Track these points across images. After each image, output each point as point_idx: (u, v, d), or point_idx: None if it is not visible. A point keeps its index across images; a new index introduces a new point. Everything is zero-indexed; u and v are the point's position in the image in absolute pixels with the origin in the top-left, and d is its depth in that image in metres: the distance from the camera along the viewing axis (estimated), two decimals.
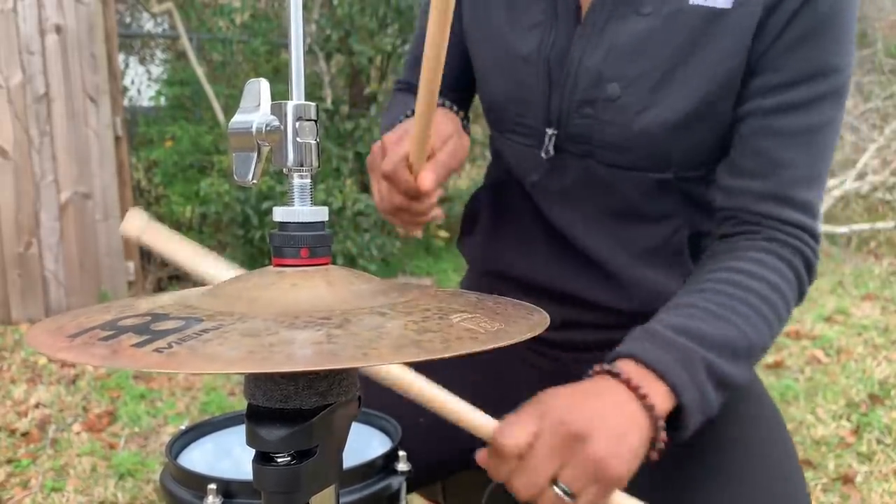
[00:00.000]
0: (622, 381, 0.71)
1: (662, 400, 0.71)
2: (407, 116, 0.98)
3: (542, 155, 0.94)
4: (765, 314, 0.80)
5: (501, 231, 1.06)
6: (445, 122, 0.91)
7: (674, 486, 0.84)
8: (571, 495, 0.66)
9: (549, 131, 0.93)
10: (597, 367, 0.74)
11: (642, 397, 0.70)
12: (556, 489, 0.66)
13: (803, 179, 0.85)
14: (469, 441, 1.00)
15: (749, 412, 0.91)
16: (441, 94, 1.12)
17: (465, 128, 1.03)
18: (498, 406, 1.02)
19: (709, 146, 0.90)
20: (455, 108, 1.02)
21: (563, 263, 0.99)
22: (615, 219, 0.94)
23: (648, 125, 0.86)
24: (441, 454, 0.98)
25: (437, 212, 0.88)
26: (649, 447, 0.71)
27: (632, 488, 0.71)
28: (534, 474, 0.66)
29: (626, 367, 0.72)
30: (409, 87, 1.15)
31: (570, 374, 1.03)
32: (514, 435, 0.67)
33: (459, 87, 1.13)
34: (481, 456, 0.71)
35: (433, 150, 0.84)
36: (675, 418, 0.73)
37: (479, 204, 1.12)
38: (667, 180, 0.91)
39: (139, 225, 0.71)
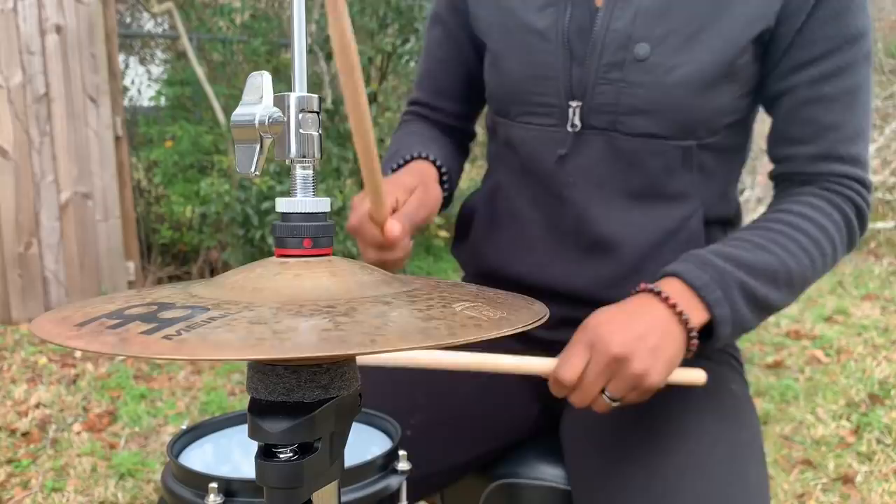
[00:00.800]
0: (662, 300, 0.83)
1: (697, 314, 0.83)
2: (393, 169, 1.01)
3: (569, 129, 0.95)
4: (807, 248, 0.89)
5: (497, 233, 1.06)
6: (411, 175, 0.96)
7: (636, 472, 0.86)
8: (617, 400, 0.82)
9: (574, 104, 0.94)
10: (642, 286, 0.86)
11: (679, 313, 0.82)
12: (605, 397, 0.82)
13: (850, 137, 0.91)
14: (467, 453, 1.00)
15: (728, 420, 0.92)
16: (446, 111, 1.14)
17: (449, 173, 1.07)
18: (494, 410, 1.02)
19: (729, 110, 0.93)
20: (433, 157, 1.03)
21: (566, 260, 0.99)
22: (635, 199, 0.95)
23: (677, 84, 0.88)
24: (439, 464, 0.98)
25: (407, 249, 0.91)
26: (685, 352, 0.83)
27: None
28: (587, 392, 0.82)
29: (668, 286, 0.84)
30: (417, 112, 1.17)
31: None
32: (570, 370, 0.81)
33: (463, 100, 1.14)
34: (550, 385, 0.85)
35: (398, 202, 0.89)
36: (710, 329, 0.85)
37: (474, 208, 1.12)
38: (689, 149, 0.93)
39: None
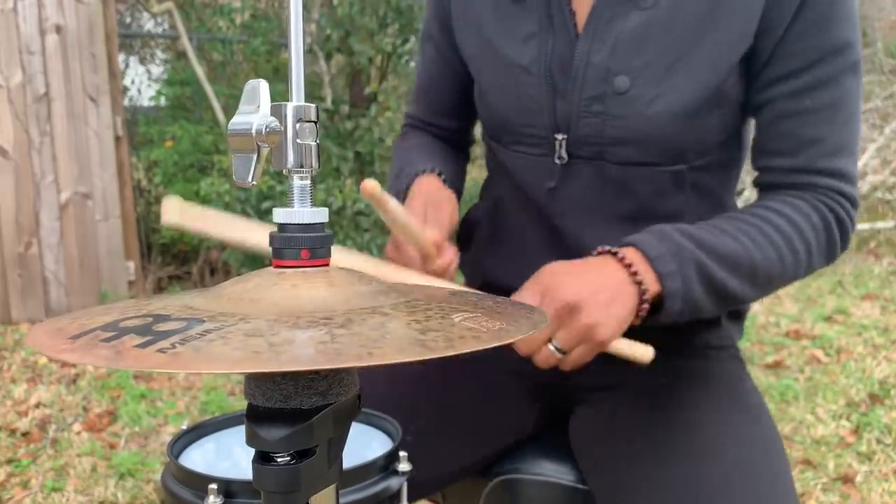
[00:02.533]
0: (618, 260, 0.82)
1: (651, 281, 0.82)
2: (403, 191, 1.02)
3: (556, 161, 0.94)
4: (776, 243, 0.87)
5: (499, 246, 1.06)
6: (418, 203, 0.97)
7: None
8: (563, 352, 0.81)
9: (559, 137, 0.93)
10: (600, 248, 0.85)
11: (633, 274, 0.81)
12: (551, 347, 0.81)
13: (831, 151, 0.89)
14: (468, 455, 1.00)
15: (746, 429, 0.92)
16: (441, 127, 1.15)
17: (457, 181, 1.10)
18: (493, 417, 1.02)
19: (718, 131, 0.92)
20: (437, 170, 1.04)
21: None
22: (628, 222, 0.95)
23: (659, 115, 0.87)
24: (440, 467, 0.98)
25: (453, 258, 0.93)
26: (635, 317, 0.82)
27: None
28: (534, 338, 0.80)
29: (626, 251, 0.83)
30: (414, 125, 1.18)
31: (567, 384, 1.03)
32: None
33: (457, 116, 1.15)
34: None
35: (425, 215, 0.92)
36: (659, 306, 0.84)
37: (475, 221, 1.12)
38: (679, 173, 0.92)
39: (177, 212, 0.74)
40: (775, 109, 0.89)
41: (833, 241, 0.91)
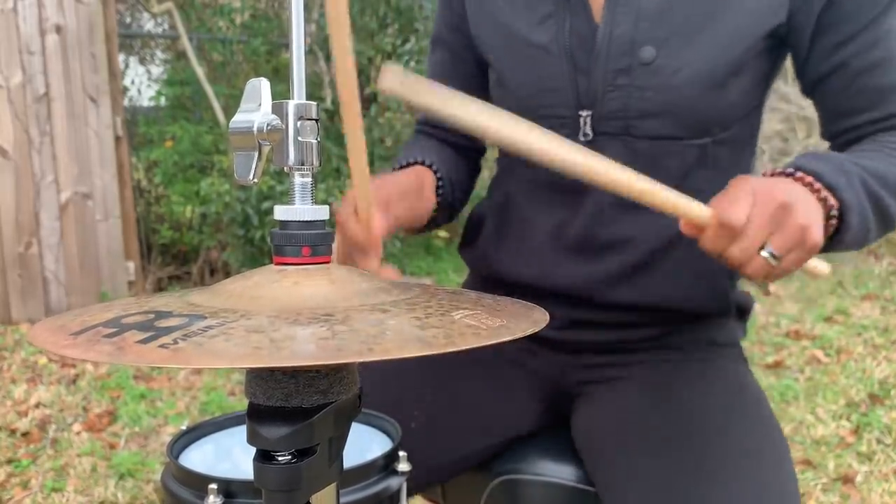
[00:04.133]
0: (797, 179, 0.79)
1: (830, 196, 0.79)
2: (394, 169, 1.01)
3: (581, 139, 0.94)
4: None
5: (507, 240, 1.06)
6: (409, 179, 0.96)
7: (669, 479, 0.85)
8: (777, 258, 0.75)
9: (584, 113, 0.93)
10: (770, 170, 0.82)
11: (816, 191, 0.78)
12: (765, 254, 0.75)
13: None
14: (469, 445, 1.00)
15: (749, 427, 0.92)
16: (452, 132, 1.14)
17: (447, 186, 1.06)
18: (494, 409, 1.02)
19: (741, 104, 0.92)
20: (431, 163, 1.03)
21: (575, 263, 0.98)
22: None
23: (685, 84, 0.88)
24: (441, 457, 0.98)
25: (390, 272, 0.85)
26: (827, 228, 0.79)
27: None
28: (750, 241, 0.74)
29: (796, 172, 0.81)
30: (424, 131, 1.17)
31: (569, 378, 1.03)
32: (737, 211, 0.74)
33: None
34: (705, 236, 0.77)
35: (389, 203, 0.88)
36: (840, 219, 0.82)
37: (483, 216, 1.12)
38: (704, 147, 0.92)
39: (397, 79, 0.70)
40: (848, 70, 0.90)
41: None
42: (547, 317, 0.45)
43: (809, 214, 0.74)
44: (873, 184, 0.83)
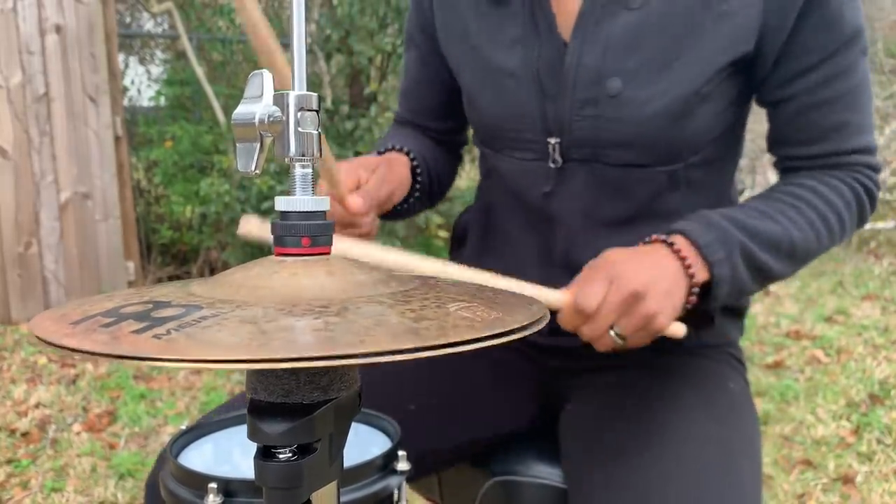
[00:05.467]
0: (674, 251, 0.84)
1: (700, 270, 0.84)
2: (379, 153, 1.02)
3: (551, 165, 0.94)
4: (812, 222, 0.90)
5: (491, 254, 1.06)
6: (376, 157, 0.98)
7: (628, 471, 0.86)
8: (623, 338, 0.83)
9: (552, 141, 0.92)
10: (654, 237, 0.87)
11: (687, 266, 0.84)
12: (612, 333, 0.83)
13: (854, 133, 0.91)
14: (467, 433, 1.01)
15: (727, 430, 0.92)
16: (430, 128, 1.14)
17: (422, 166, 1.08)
18: (488, 403, 1.02)
19: (713, 128, 0.92)
20: (405, 148, 1.04)
21: (558, 283, 0.99)
22: (624, 224, 0.94)
23: (653, 116, 0.86)
24: (437, 443, 0.98)
25: (372, 226, 0.93)
26: (683, 307, 0.85)
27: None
28: (601, 324, 0.82)
29: (678, 239, 0.85)
30: (402, 122, 1.18)
31: (559, 381, 1.03)
32: (592, 297, 0.81)
33: (445, 118, 1.14)
34: (561, 316, 0.85)
35: (360, 180, 0.91)
36: (707, 290, 0.87)
37: (467, 224, 1.12)
38: (675, 172, 0.92)
39: (254, 227, 0.76)
40: (796, 104, 0.90)
41: (864, 210, 0.95)
42: (547, 311, 0.45)
43: (660, 302, 0.81)
44: (757, 251, 0.86)
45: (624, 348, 0.84)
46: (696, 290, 0.84)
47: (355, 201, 0.86)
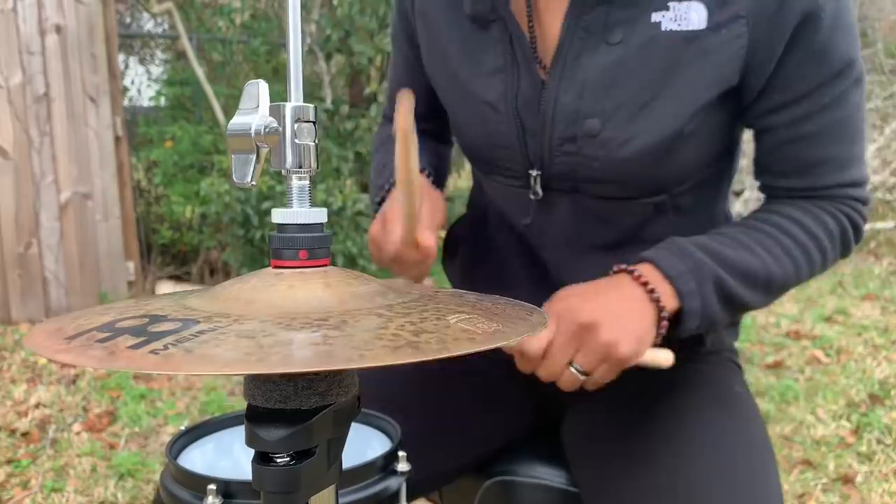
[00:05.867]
0: (635, 279, 0.82)
1: (669, 299, 0.81)
2: (387, 189, 1.00)
3: (531, 197, 0.92)
4: (793, 254, 0.86)
5: (481, 268, 1.06)
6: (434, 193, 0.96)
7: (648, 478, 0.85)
8: (585, 373, 0.80)
9: (533, 173, 0.91)
10: (616, 267, 0.84)
11: (650, 292, 0.81)
12: (572, 369, 0.80)
13: (839, 167, 0.88)
14: (463, 455, 1.00)
15: (731, 424, 0.91)
16: (417, 127, 1.13)
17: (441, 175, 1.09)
18: (486, 416, 1.02)
19: (700, 159, 0.89)
20: (424, 168, 1.02)
21: (547, 296, 0.99)
22: (609, 250, 0.93)
23: (633, 155, 0.84)
24: (441, 464, 0.98)
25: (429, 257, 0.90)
26: (655, 333, 0.82)
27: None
28: (554, 364, 0.80)
29: (644, 268, 0.83)
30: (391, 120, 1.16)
31: (557, 387, 1.03)
32: (534, 342, 0.80)
33: (432, 119, 1.10)
34: (516, 361, 0.84)
35: (434, 219, 0.90)
36: (678, 319, 0.83)
37: (459, 234, 1.12)
38: (660, 203, 0.90)
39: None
40: (776, 136, 0.87)
41: (847, 242, 0.91)
42: (546, 320, 0.45)
43: (615, 331, 0.77)
44: (732, 284, 0.83)
45: (597, 383, 0.82)
46: (665, 314, 0.81)
47: (428, 239, 0.83)
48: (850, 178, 0.88)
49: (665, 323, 0.82)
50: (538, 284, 0.98)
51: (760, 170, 0.93)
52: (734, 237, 0.86)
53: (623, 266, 0.84)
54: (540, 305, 0.97)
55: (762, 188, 0.95)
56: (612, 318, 0.78)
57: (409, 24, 1.02)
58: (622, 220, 0.91)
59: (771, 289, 0.87)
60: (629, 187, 0.88)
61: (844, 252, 0.92)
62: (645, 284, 0.81)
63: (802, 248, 0.87)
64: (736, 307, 0.86)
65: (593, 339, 0.78)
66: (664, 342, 0.85)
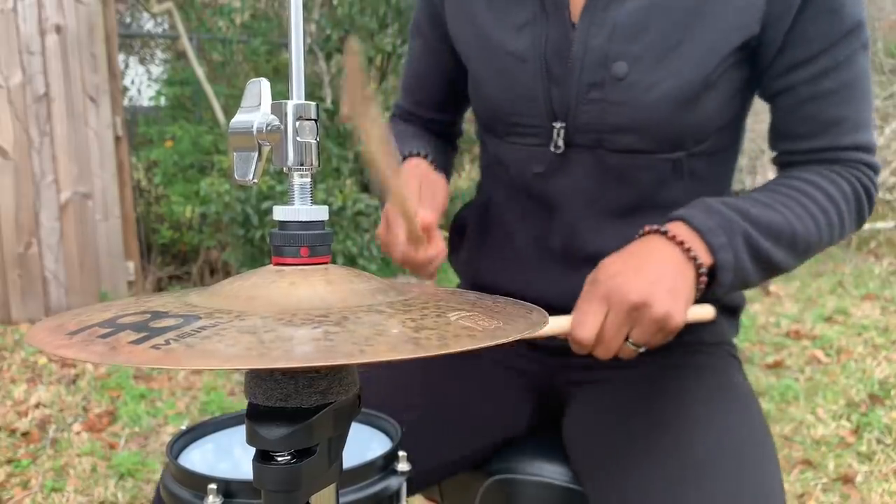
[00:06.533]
0: (670, 238, 0.83)
1: (703, 254, 0.83)
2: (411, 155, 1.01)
3: (552, 149, 0.94)
4: (813, 214, 0.89)
5: (488, 249, 1.06)
6: (413, 175, 0.97)
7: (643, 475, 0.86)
8: (642, 346, 0.82)
9: (557, 125, 0.93)
10: (647, 228, 0.85)
11: (686, 250, 0.82)
12: (629, 344, 0.82)
13: (853, 128, 0.91)
14: (462, 448, 1.01)
15: (733, 418, 0.92)
16: (428, 119, 1.15)
17: (446, 162, 1.09)
18: (486, 411, 1.03)
19: (717, 116, 0.92)
20: (423, 153, 1.02)
21: (556, 276, 0.98)
22: (626, 213, 0.95)
23: (658, 100, 0.87)
24: (441, 456, 0.98)
25: (440, 252, 0.91)
26: (696, 290, 0.83)
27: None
28: (610, 345, 0.81)
29: (675, 227, 0.84)
30: (402, 116, 1.18)
31: (559, 380, 1.03)
32: (586, 329, 0.80)
33: (446, 110, 1.15)
34: (571, 345, 0.84)
35: (420, 195, 0.90)
36: (712, 276, 0.85)
37: (465, 222, 1.12)
38: (678, 161, 0.92)
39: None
40: (796, 95, 0.90)
41: (862, 209, 0.94)
42: (547, 318, 0.45)
43: (667, 303, 0.78)
44: (760, 240, 0.85)
45: (651, 347, 0.83)
46: (703, 270, 0.82)
47: (429, 215, 0.85)
48: (863, 140, 0.92)
49: (704, 279, 0.83)
50: (547, 260, 0.99)
51: (779, 136, 0.96)
52: (757, 199, 0.89)
53: (654, 227, 0.85)
54: (548, 279, 0.98)
55: (779, 157, 0.98)
56: (661, 291, 0.79)
57: (434, 5, 1.06)
58: (640, 179, 0.93)
59: (796, 247, 0.89)
60: (651, 137, 0.90)
61: (859, 220, 0.95)
62: (681, 244, 0.82)
63: (822, 208, 0.90)
64: (765, 264, 0.87)
65: (646, 317, 0.79)
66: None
